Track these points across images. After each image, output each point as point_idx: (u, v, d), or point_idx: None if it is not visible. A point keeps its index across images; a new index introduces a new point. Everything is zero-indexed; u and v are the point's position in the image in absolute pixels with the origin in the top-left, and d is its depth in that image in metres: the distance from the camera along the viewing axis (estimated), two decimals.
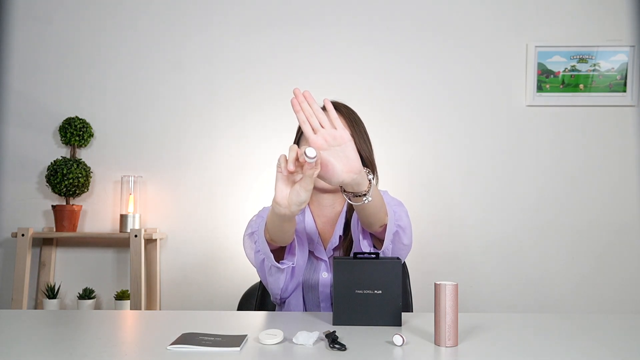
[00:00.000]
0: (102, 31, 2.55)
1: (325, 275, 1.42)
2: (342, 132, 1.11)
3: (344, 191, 1.18)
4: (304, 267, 1.41)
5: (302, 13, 2.53)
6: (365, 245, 1.34)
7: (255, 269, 1.39)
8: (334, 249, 1.45)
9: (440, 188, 2.49)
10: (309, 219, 1.48)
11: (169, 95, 2.54)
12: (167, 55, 2.54)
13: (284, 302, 1.43)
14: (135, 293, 2.30)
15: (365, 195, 1.16)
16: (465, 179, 2.49)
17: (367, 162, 1.46)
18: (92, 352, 0.92)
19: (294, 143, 1.53)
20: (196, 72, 2.54)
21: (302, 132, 1.49)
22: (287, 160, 1.06)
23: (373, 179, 1.20)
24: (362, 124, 1.49)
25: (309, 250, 1.45)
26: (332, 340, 0.96)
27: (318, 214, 1.50)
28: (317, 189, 1.45)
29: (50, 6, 2.55)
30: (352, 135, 1.43)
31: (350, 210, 1.48)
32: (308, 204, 1.50)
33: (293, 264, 1.33)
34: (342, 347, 0.95)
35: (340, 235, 1.45)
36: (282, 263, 1.33)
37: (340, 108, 1.48)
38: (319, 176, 1.09)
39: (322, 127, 1.11)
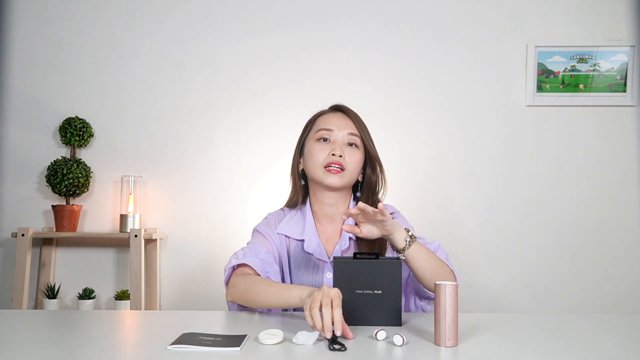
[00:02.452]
0: (102, 31, 2.55)
1: (329, 276, 1.42)
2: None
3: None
4: None
5: (303, 15, 2.53)
6: (412, 305, 1.44)
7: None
8: (344, 252, 1.45)
9: (440, 188, 2.49)
10: (309, 219, 1.48)
11: (169, 95, 2.54)
12: (168, 56, 2.54)
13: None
14: (135, 293, 2.30)
15: (400, 252, 1.29)
16: (464, 179, 2.49)
17: (375, 160, 1.49)
18: (92, 352, 0.92)
19: (301, 139, 1.53)
20: (196, 72, 2.54)
21: (312, 125, 1.50)
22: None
23: (412, 241, 1.29)
24: (363, 124, 1.52)
25: (309, 253, 1.45)
26: (332, 340, 0.96)
27: (321, 213, 1.50)
28: (322, 186, 1.46)
29: (51, 6, 2.55)
30: (360, 135, 1.47)
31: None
32: (310, 205, 1.51)
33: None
34: (342, 347, 0.95)
35: (350, 237, 1.45)
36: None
37: (347, 110, 1.51)
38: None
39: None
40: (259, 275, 1.33)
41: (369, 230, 1.27)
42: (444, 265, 1.35)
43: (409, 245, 1.28)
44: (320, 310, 1.02)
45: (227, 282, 1.36)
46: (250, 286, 1.28)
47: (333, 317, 1.00)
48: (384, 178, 1.52)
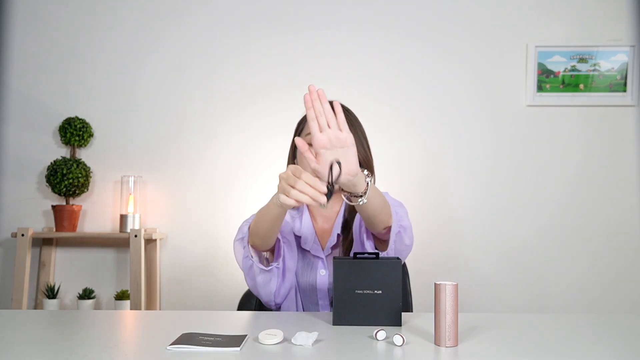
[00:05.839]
0: (102, 31, 2.55)
1: (322, 273, 1.43)
2: (347, 135, 1.12)
3: (342, 190, 1.21)
4: (294, 270, 1.42)
5: (303, 13, 2.53)
6: (368, 247, 1.36)
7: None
8: (332, 247, 1.45)
9: (440, 188, 2.49)
10: (306, 217, 1.49)
11: (169, 95, 2.54)
12: (167, 55, 2.54)
13: (279, 308, 1.43)
14: (135, 293, 2.30)
15: (361, 196, 1.19)
16: (465, 178, 2.49)
17: (364, 164, 1.46)
18: (92, 352, 0.92)
19: (295, 135, 1.53)
20: (196, 71, 2.54)
21: (303, 125, 1.49)
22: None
23: (371, 181, 1.22)
24: (360, 125, 1.49)
25: (306, 250, 1.45)
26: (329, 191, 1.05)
27: (316, 212, 1.50)
28: None
29: (51, 6, 2.55)
30: None
31: (350, 210, 1.48)
32: (306, 204, 1.51)
33: (278, 264, 1.34)
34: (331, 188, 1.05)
35: (338, 234, 1.45)
36: (270, 265, 1.34)
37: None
38: (318, 174, 1.12)
39: (329, 127, 1.12)
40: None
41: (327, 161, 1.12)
42: (387, 202, 1.31)
43: (369, 187, 1.20)
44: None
45: (240, 240, 1.37)
46: (255, 219, 1.30)
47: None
48: (372, 179, 1.49)
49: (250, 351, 0.93)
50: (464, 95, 2.51)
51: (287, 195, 1.10)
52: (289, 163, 1.54)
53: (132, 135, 2.53)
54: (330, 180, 1.09)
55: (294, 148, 1.53)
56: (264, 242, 1.31)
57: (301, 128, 1.51)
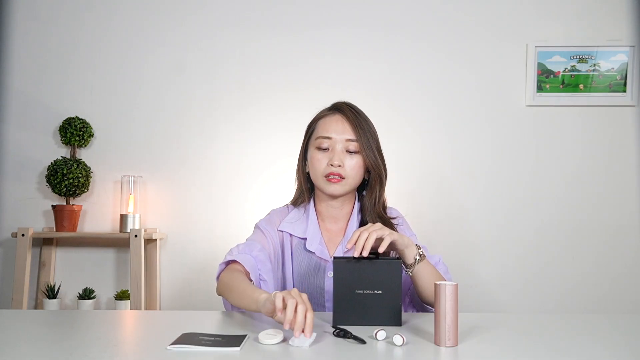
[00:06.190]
0: (102, 31, 2.55)
1: (331, 275, 1.42)
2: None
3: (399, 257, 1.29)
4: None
5: (303, 13, 2.53)
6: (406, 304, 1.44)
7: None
8: (345, 252, 1.45)
9: (440, 188, 2.49)
10: (312, 217, 1.48)
11: (169, 95, 2.54)
12: (168, 55, 2.54)
13: None
14: (135, 293, 2.30)
15: (408, 267, 1.29)
16: (464, 179, 2.49)
17: (372, 169, 1.46)
18: (92, 352, 0.92)
19: (306, 137, 1.52)
20: (196, 72, 2.54)
21: (314, 127, 1.49)
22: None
23: (420, 259, 1.30)
24: (371, 128, 1.47)
25: (311, 251, 1.45)
26: (350, 335, 1.00)
27: (326, 214, 1.50)
28: (327, 195, 1.47)
29: (51, 6, 2.55)
30: (357, 141, 1.43)
31: (364, 211, 1.48)
32: (314, 204, 1.51)
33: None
34: (362, 341, 0.97)
35: None
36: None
37: (345, 111, 1.47)
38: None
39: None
40: (249, 273, 1.33)
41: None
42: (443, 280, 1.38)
43: (417, 262, 1.29)
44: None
45: (217, 277, 1.37)
46: (229, 283, 1.28)
47: (306, 318, 0.99)
48: (382, 181, 1.49)
49: (250, 351, 0.93)
50: (463, 95, 2.50)
51: (283, 299, 1.02)
52: (299, 166, 1.54)
53: (132, 135, 2.53)
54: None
55: (304, 153, 1.52)
56: (229, 302, 1.31)
57: (312, 130, 1.51)
